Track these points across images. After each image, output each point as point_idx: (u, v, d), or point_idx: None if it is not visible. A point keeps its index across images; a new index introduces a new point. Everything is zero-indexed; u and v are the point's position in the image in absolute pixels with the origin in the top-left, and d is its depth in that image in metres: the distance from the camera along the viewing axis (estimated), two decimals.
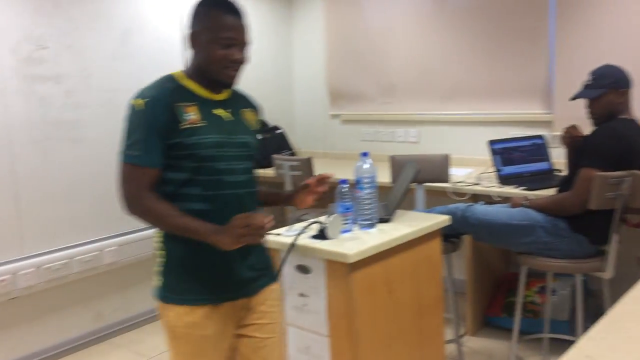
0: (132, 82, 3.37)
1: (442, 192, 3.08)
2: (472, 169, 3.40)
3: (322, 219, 2.06)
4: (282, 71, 4.55)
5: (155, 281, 1.65)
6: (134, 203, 1.54)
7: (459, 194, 3.02)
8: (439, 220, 2.21)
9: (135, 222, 3.42)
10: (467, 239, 2.99)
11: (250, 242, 1.51)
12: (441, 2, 3.78)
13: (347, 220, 2.03)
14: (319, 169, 3.71)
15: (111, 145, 3.28)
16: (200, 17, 1.59)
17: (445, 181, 3.05)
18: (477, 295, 3.20)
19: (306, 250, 1.91)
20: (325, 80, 4.44)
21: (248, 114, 1.75)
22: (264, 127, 4.32)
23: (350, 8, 4.21)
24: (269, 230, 1.51)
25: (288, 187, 3.43)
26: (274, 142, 4.31)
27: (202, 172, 1.57)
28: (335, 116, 4.45)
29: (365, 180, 2.05)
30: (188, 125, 1.55)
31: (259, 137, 4.25)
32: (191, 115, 1.56)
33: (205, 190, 1.58)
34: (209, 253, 1.55)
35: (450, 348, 2.89)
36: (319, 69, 4.46)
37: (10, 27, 2.86)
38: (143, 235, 3.36)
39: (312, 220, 2.06)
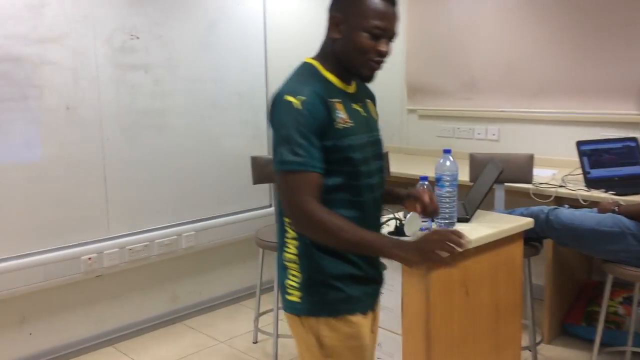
0: (215, 72, 3.46)
1: (524, 193, 2.97)
2: (556, 170, 3.25)
3: (400, 215, 2.03)
4: None
5: (291, 296, 1.47)
6: (305, 215, 1.34)
7: (542, 196, 2.90)
8: (522, 222, 2.13)
9: (213, 208, 3.53)
10: (548, 243, 2.87)
11: (439, 262, 1.33)
12: None
13: (425, 218, 1.99)
14: (394, 164, 3.67)
15: (193, 133, 3.42)
16: (356, 0, 1.41)
17: (528, 182, 2.93)
18: (556, 302, 3.06)
19: None
20: (404, 74, 4.37)
21: (371, 106, 1.62)
22: None
23: (433, 0, 4.12)
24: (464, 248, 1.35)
25: None
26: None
27: (354, 177, 1.42)
28: (412, 111, 4.38)
29: (446, 178, 2.00)
30: (342, 125, 1.40)
31: None
32: (341, 113, 1.41)
33: (353, 196, 1.44)
34: (354, 260, 1.44)
35: (525, 355, 2.78)
36: (397, 62, 4.39)
37: (107, 18, 2.99)
38: (218, 222, 3.47)
39: (390, 216, 2.03)
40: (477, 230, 2.01)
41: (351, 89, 1.51)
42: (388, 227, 1.99)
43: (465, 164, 3.05)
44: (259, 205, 3.71)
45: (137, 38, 3.13)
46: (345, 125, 1.40)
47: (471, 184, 2.88)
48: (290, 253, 1.46)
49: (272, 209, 3.63)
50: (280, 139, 1.36)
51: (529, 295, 2.70)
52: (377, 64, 1.45)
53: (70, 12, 2.85)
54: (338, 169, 1.40)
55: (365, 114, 1.52)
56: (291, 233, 1.45)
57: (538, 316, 3.03)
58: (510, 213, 2.54)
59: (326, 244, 1.39)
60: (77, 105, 2.91)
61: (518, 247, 2.15)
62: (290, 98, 1.35)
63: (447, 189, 2.01)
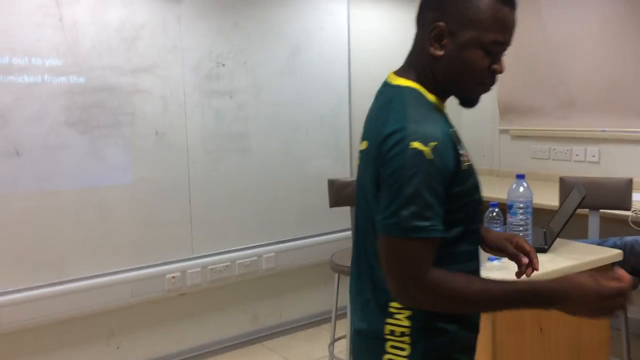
0: (297, 97, 3.52)
1: (622, 221, 2.70)
2: None
3: None
4: None
5: None
6: (420, 289, 1.07)
7: None
8: (607, 254, 1.93)
9: (293, 231, 3.57)
10: None
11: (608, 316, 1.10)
12: (636, 5, 3.33)
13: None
14: (484, 187, 3.50)
15: (275, 156, 3.49)
16: (464, 3, 1.10)
17: (627, 209, 2.66)
18: None
19: None
20: (496, 92, 4.18)
21: None
22: None
23: (528, 14, 3.91)
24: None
25: None
26: None
27: (474, 221, 1.17)
28: (504, 131, 4.17)
29: (519, 205, 1.87)
30: (466, 164, 1.12)
31: None
32: (461, 148, 1.13)
33: (472, 245, 1.19)
34: (472, 322, 1.21)
35: None
36: None
37: (195, 47, 3.15)
38: (298, 245, 3.49)
39: None
40: (554, 261, 1.85)
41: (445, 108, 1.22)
42: None
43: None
44: (338, 228, 3.70)
45: (223, 65, 3.26)
46: (468, 163, 1.13)
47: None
48: (400, 325, 1.15)
49: (350, 232, 3.59)
50: (403, 196, 1.04)
51: (624, 331, 2.43)
52: (489, 87, 1.18)
53: (161, 43, 3.03)
54: (461, 217, 1.12)
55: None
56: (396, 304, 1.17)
57: (636, 354, 2.72)
58: (602, 243, 2.31)
59: (454, 310, 1.12)
60: (166, 130, 3.08)
61: None
62: (419, 146, 1.04)
63: (521, 216, 1.88)
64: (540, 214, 2.44)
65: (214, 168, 3.24)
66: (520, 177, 1.89)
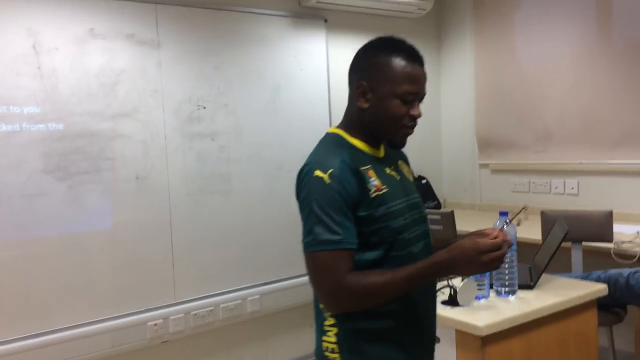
0: (278, 136, 3.53)
1: (605, 253, 2.72)
2: None
3: (454, 282, 1.91)
4: (428, 118, 4.45)
5: None
6: (343, 295, 1.26)
7: (625, 256, 2.64)
8: (593, 289, 1.94)
9: (277, 271, 3.53)
10: (634, 309, 2.59)
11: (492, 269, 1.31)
12: (607, 37, 3.43)
13: (482, 285, 1.86)
14: (466, 221, 3.52)
15: (258, 196, 3.47)
16: (377, 65, 1.35)
17: (608, 241, 2.69)
18: None
19: None
20: (474, 127, 4.25)
21: (404, 167, 1.52)
22: None
23: (502, 50, 4.02)
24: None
25: None
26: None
27: (394, 247, 1.33)
28: (484, 165, 4.22)
29: None
30: (376, 193, 1.32)
31: None
32: (374, 180, 1.32)
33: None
34: (401, 342, 1.35)
35: None
36: (467, 115, 4.29)
37: (175, 91, 3.15)
38: (283, 285, 3.45)
39: (443, 283, 1.92)
40: (541, 298, 1.85)
41: (381, 153, 1.43)
42: (443, 296, 1.87)
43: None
44: None
45: (204, 108, 3.27)
46: (379, 193, 1.32)
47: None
48: (330, 342, 1.35)
49: None
50: (313, 217, 1.27)
51: None
52: (411, 129, 1.39)
53: (142, 87, 3.04)
54: (376, 241, 1.31)
55: (399, 177, 1.43)
56: (330, 320, 1.36)
57: None
58: (586, 277, 2.33)
59: (377, 304, 1.29)
60: (147, 174, 3.06)
61: (591, 316, 1.95)
62: (319, 173, 1.28)
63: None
64: (523, 248, 2.45)
65: (196, 210, 3.21)
66: (504, 214, 1.90)
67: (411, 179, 1.53)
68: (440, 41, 4.47)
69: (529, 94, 3.85)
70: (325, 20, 3.79)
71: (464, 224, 3.31)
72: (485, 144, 4.18)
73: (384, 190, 1.33)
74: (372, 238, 1.30)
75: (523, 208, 1.59)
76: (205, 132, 3.27)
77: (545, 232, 2.74)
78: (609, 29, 3.43)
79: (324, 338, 1.36)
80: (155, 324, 3.01)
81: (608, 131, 3.44)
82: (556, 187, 3.72)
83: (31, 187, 2.70)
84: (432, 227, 3.22)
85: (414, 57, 1.36)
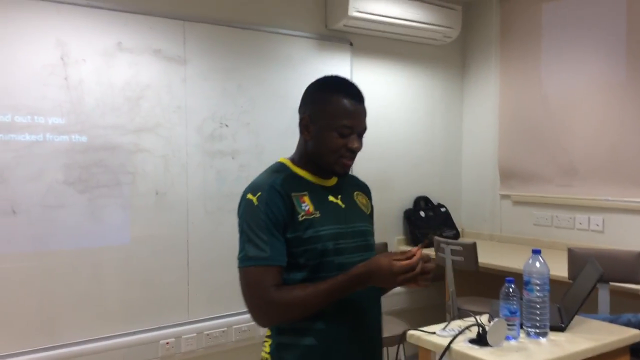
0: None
1: (633, 295, 2.63)
2: None
3: (484, 320, 1.84)
4: (450, 147, 4.41)
5: None
6: (268, 308, 1.38)
7: None
8: (628, 335, 1.86)
9: None
10: None
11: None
12: (637, 70, 3.36)
13: (512, 325, 1.79)
14: (486, 253, 3.44)
15: None
16: (318, 100, 1.48)
17: (637, 282, 2.61)
18: None
19: (462, 357, 1.71)
20: (497, 157, 4.19)
21: (360, 198, 1.61)
22: (428, 204, 4.18)
23: (527, 79, 3.97)
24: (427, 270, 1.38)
25: (448, 273, 3.22)
26: (437, 220, 4.14)
27: (322, 269, 1.41)
28: (505, 196, 4.15)
29: (536, 282, 1.80)
30: (304, 217, 1.43)
31: (422, 214, 4.11)
32: (306, 205, 1.44)
33: None
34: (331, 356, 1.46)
35: None
36: (489, 145, 4.24)
37: (199, 108, 3.14)
38: None
39: (471, 320, 1.85)
40: (573, 342, 1.77)
41: (330, 182, 1.54)
42: (470, 333, 1.80)
43: (565, 256, 2.79)
44: None
45: (226, 126, 3.25)
46: (308, 217, 1.43)
47: (570, 281, 2.62)
48: (265, 352, 1.50)
49: None
50: (244, 236, 1.41)
51: None
52: (351, 160, 1.48)
53: (166, 103, 3.02)
54: (303, 262, 1.42)
55: (344, 206, 1.52)
56: (267, 332, 1.50)
57: None
58: (616, 319, 2.24)
59: (303, 316, 1.40)
60: (167, 190, 3.03)
61: None
62: (250, 196, 1.42)
63: (537, 294, 1.81)
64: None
65: (214, 229, 3.17)
66: (536, 252, 1.84)
67: (365, 210, 1.62)
68: (465, 68, 4.44)
69: (555, 126, 3.80)
70: (351, 44, 3.78)
71: (484, 256, 3.24)
72: (508, 175, 4.12)
73: (314, 215, 1.44)
74: (300, 259, 1.41)
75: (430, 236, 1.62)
76: (226, 150, 3.24)
77: (574, 270, 2.67)
78: None
79: (262, 349, 1.51)
80: (167, 343, 2.96)
81: (636, 168, 3.37)
82: (580, 223, 3.63)
83: (51, 199, 2.68)
84: (453, 258, 3.18)
85: (352, 94, 1.47)
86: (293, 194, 1.44)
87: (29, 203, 2.62)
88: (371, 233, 1.58)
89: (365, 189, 1.67)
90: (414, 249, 1.39)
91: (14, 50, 2.58)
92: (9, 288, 2.58)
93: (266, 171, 1.53)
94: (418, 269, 1.35)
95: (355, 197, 1.59)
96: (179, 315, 3.05)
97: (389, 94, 4.01)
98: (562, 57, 3.75)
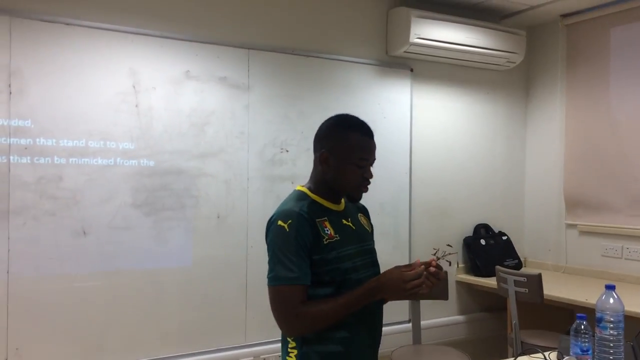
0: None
1: None
2: None
3: (552, 357, 1.77)
4: (513, 173, 4.30)
5: None
6: (296, 321, 1.57)
7: None
8: None
9: None
10: None
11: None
12: None
13: None
14: (551, 284, 3.32)
15: None
16: (336, 137, 1.66)
17: None
18: None
19: None
20: (562, 185, 4.05)
21: (363, 219, 1.82)
22: (488, 232, 4.08)
23: (595, 105, 3.84)
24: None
25: (512, 304, 3.11)
26: (499, 249, 4.02)
27: (344, 285, 1.61)
28: (571, 226, 3.99)
29: (609, 319, 1.72)
30: (328, 240, 1.61)
31: (482, 242, 4.01)
32: (328, 229, 1.63)
33: None
34: None
35: None
36: (554, 172, 4.10)
37: (261, 133, 3.20)
38: None
39: (539, 356, 1.78)
40: None
41: (340, 207, 1.73)
42: None
43: (637, 290, 2.65)
44: (397, 319, 3.54)
45: (287, 151, 3.29)
46: (331, 240, 1.62)
47: None
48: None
49: (410, 324, 3.42)
50: (275, 258, 1.58)
51: None
52: (366, 188, 1.69)
53: (229, 129, 3.10)
54: (328, 279, 1.59)
55: (354, 227, 1.73)
56: (292, 343, 1.64)
57: None
58: None
59: (326, 326, 1.58)
60: (228, 213, 3.09)
61: None
62: (281, 223, 1.58)
63: (611, 331, 1.72)
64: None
65: None
66: (610, 287, 1.75)
67: (369, 229, 1.82)
68: (528, 94, 4.34)
69: (624, 153, 3.64)
70: (412, 70, 3.78)
71: (549, 287, 3.12)
72: (574, 203, 3.97)
73: (335, 238, 1.63)
74: (325, 277, 1.59)
75: (448, 246, 1.70)
76: (285, 175, 3.28)
77: None
78: None
79: (287, 358, 1.65)
80: None
81: None
82: None
83: (119, 220, 2.78)
84: (517, 289, 3.07)
85: (366, 131, 1.68)
86: (317, 219, 1.62)
87: (99, 224, 2.74)
88: (375, 251, 1.79)
89: (365, 211, 1.87)
90: (422, 260, 1.61)
91: (89, 79, 2.73)
92: (76, 306, 2.68)
93: (291, 199, 1.69)
94: (423, 277, 1.55)
95: (359, 218, 1.79)
96: (237, 338, 3.07)
97: (449, 119, 3.97)
98: (633, 81, 3.61)
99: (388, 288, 1.56)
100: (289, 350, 1.65)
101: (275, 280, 1.57)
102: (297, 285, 1.55)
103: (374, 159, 1.70)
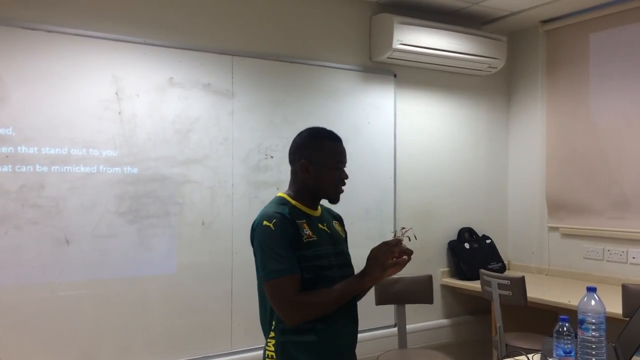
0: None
1: None
2: None
3: (536, 359, 1.79)
4: (495, 178, 4.34)
5: None
6: (294, 310, 1.69)
7: None
8: None
9: None
10: None
11: (398, 270, 1.70)
12: None
13: None
14: (535, 287, 3.36)
15: None
16: (313, 146, 1.82)
17: None
18: None
19: None
20: (544, 188, 4.10)
21: (337, 226, 1.97)
22: (472, 236, 4.12)
23: (576, 109, 3.90)
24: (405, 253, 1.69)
25: (496, 307, 3.14)
26: (483, 252, 4.06)
27: (319, 281, 1.74)
28: (554, 228, 4.04)
29: (591, 320, 1.74)
30: (307, 239, 1.76)
31: (466, 246, 4.04)
32: (306, 230, 1.78)
33: None
34: (325, 356, 1.76)
35: None
36: (537, 175, 4.16)
37: (246, 140, 3.20)
38: None
39: (523, 359, 1.80)
40: None
41: (317, 213, 1.88)
42: None
43: (618, 292, 2.70)
44: (384, 324, 3.55)
45: (272, 157, 3.30)
46: (310, 239, 1.77)
47: (625, 319, 2.52)
48: (270, 350, 1.77)
49: (396, 329, 3.43)
50: (266, 255, 1.71)
51: None
52: (343, 187, 1.86)
53: (214, 135, 3.10)
54: (306, 275, 1.73)
55: (329, 232, 1.88)
56: (272, 333, 1.77)
57: None
58: None
59: (323, 314, 1.72)
60: (212, 220, 3.08)
61: None
62: (266, 223, 1.72)
63: (593, 332, 1.74)
64: None
65: None
66: (591, 289, 1.78)
67: (342, 235, 1.98)
68: (510, 98, 4.40)
69: (605, 156, 3.71)
70: (395, 76, 3.81)
71: (533, 290, 3.16)
72: (556, 206, 4.02)
73: (313, 238, 1.78)
74: (304, 274, 1.72)
75: (408, 229, 1.85)
76: (270, 181, 3.28)
77: (628, 307, 2.57)
78: None
79: (266, 347, 1.79)
80: None
81: None
82: (633, 257, 3.50)
83: (103, 228, 2.76)
84: (501, 292, 3.10)
85: (336, 138, 1.86)
86: (297, 221, 1.77)
87: (82, 233, 2.71)
88: (349, 253, 1.94)
89: (339, 219, 2.03)
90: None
91: (72, 86, 2.71)
92: (61, 315, 2.66)
93: (273, 203, 1.83)
94: (396, 246, 1.70)
95: (334, 225, 1.94)
96: (223, 345, 3.06)
97: (432, 124, 4.00)
98: (612, 85, 3.67)
99: (374, 261, 1.69)
100: (268, 340, 1.79)
101: (269, 275, 1.69)
102: (289, 275, 1.68)
103: (346, 161, 1.87)
